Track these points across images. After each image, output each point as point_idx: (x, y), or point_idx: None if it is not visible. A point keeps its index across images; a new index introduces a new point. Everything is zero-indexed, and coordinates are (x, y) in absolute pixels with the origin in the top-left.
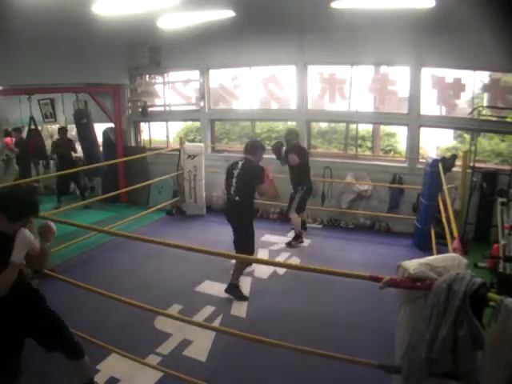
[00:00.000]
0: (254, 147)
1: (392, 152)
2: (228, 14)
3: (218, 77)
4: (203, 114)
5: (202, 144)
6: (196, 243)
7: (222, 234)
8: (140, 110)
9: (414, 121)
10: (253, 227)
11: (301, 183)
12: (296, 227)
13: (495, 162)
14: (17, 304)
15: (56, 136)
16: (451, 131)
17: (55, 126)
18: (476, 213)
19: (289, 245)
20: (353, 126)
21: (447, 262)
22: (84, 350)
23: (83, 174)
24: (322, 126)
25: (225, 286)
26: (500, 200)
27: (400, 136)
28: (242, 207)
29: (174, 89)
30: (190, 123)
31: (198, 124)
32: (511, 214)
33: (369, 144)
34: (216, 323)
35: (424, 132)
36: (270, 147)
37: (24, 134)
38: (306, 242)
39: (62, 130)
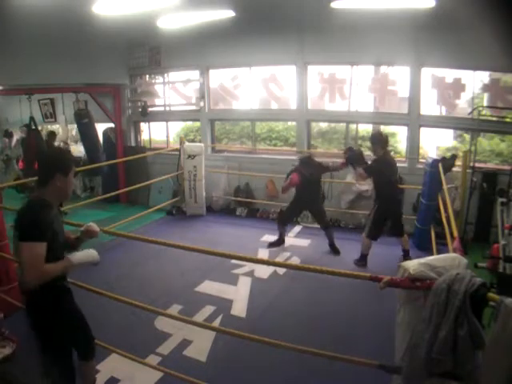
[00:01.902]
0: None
1: (392, 152)
2: (228, 13)
3: (218, 77)
4: (203, 113)
5: (202, 144)
6: (196, 243)
7: (222, 234)
8: (140, 110)
9: (414, 121)
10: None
11: (376, 201)
12: (363, 249)
13: (495, 162)
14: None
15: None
16: (451, 131)
17: (55, 126)
18: (476, 213)
19: (355, 262)
20: (353, 126)
21: (447, 261)
22: (95, 352)
23: (82, 174)
24: (322, 125)
25: (225, 285)
26: (500, 200)
27: (400, 136)
28: None
29: (174, 89)
30: (190, 123)
31: (198, 124)
32: (511, 214)
33: (369, 144)
34: (216, 323)
35: (424, 132)
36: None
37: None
38: (306, 242)
39: (51, 135)
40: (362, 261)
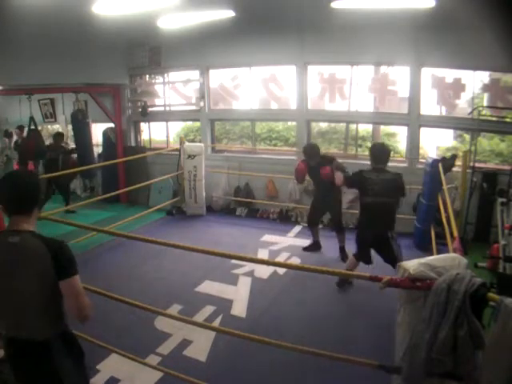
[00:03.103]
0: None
1: (392, 152)
2: (228, 13)
3: (218, 77)
4: (203, 113)
5: (202, 144)
6: (196, 243)
7: (222, 234)
8: (140, 110)
9: (414, 121)
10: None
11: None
12: (346, 265)
13: (495, 162)
14: None
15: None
16: (451, 131)
17: (55, 126)
18: (476, 213)
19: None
20: (353, 126)
21: (447, 261)
22: None
23: (80, 176)
24: (322, 125)
25: (225, 285)
26: (500, 200)
27: (400, 136)
28: None
29: (173, 89)
30: (190, 123)
31: (198, 124)
32: (511, 214)
33: (369, 144)
34: (216, 323)
35: (424, 132)
36: None
37: (24, 134)
38: (306, 242)
39: (58, 136)
40: (342, 283)
